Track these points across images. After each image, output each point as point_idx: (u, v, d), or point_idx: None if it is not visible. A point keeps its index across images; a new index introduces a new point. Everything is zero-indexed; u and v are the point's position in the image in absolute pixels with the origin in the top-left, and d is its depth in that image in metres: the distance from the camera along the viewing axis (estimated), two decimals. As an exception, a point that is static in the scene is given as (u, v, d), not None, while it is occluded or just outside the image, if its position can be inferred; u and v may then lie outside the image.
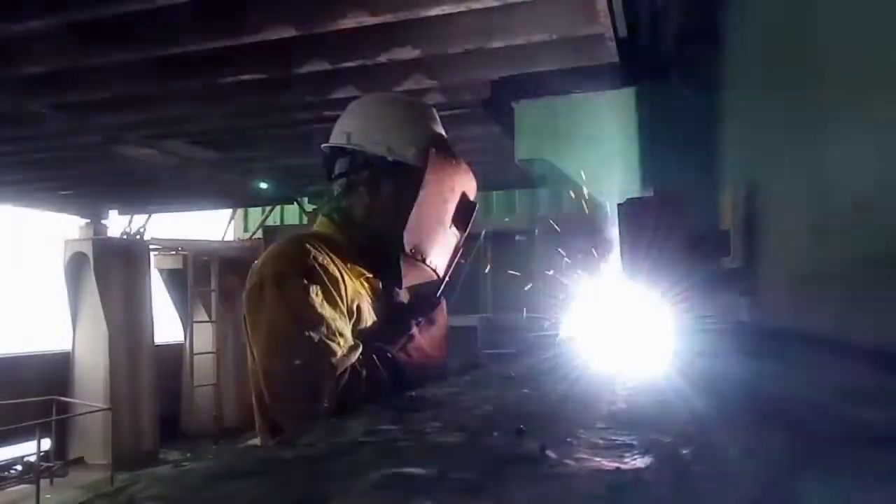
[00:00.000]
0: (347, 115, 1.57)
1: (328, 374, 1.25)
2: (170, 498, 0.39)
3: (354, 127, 1.52)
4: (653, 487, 0.37)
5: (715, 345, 1.46)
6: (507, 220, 9.75)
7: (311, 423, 1.04)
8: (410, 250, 1.46)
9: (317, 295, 1.30)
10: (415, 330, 1.47)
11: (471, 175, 1.58)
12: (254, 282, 1.34)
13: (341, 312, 1.34)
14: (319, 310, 1.29)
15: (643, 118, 3.69)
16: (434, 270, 1.55)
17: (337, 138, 1.53)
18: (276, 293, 1.30)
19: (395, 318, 1.51)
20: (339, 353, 1.27)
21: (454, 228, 1.56)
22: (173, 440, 9.67)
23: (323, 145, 1.57)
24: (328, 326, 1.28)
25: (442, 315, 1.57)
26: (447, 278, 1.60)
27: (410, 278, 1.53)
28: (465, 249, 1.63)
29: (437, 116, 1.61)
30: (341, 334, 1.30)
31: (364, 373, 1.30)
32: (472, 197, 1.59)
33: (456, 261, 1.62)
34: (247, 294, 1.35)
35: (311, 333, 1.26)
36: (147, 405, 9.17)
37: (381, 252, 1.51)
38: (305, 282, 1.30)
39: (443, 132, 1.58)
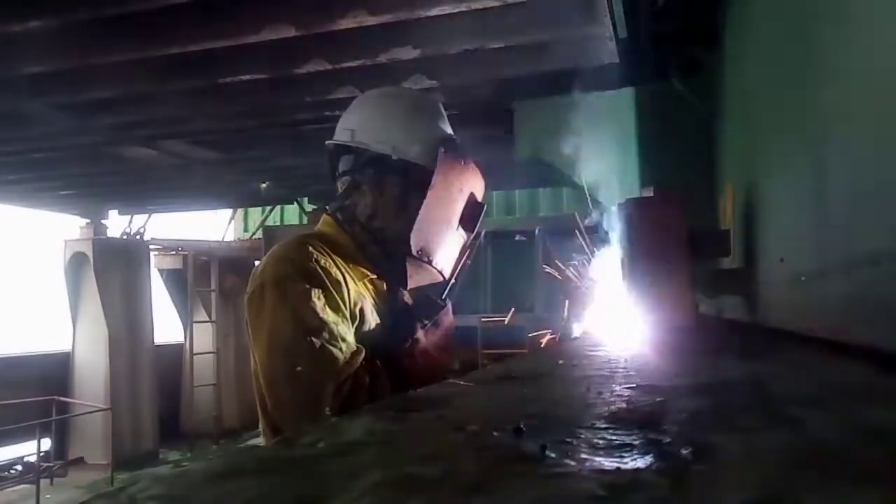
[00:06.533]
0: (352, 110, 1.54)
1: (330, 380, 1.24)
2: (170, 498, 0.39)
3: (359, 124, 1.49)
4: (653, 487, 0.37)
5: (715, 344, 1.46)
6: (507, 218, 9.76)
7: (311, 428, 1.04)
8: (417, 251, 1.44)
9: (319, 299, 1.29)
10: (419, 333, 1.45)
11: (479, 175, 1.56)
12: (255, 285, 1.33)
13: (343, 316, 1.32)
14: (321, 314, 1.27)
15: (643, 118, 3.69)
16: (440, 272, 1.53)
17: (341, 135, 1.51)
18: (278, 297, 1.29)
19: (400, 319, 1.49)
20: (341, 358, 1.26)
21: (461, 229, 1.54)
22: (173, 440, 9.67)
23: (327, 142, 1.55)
24: (330, 331, 1.27)
25: (447, 317, 1.54)
26: (453, 280, 1.58)
27: (416, 280, 1.51)
28: (470, 250, 1.61)
29: (444, 112, 1.58)
30: (343, 339, 1.29)
31: (366, 378, 1.29)
32: (479, 197, 1.56)
33: (463, 262, 1.60)
34: (248, 297, 1.34)
35: (313, 338, 1.25)
36: (147, 405, 9.17)
37: (386, 253, 1.49)
38: (307, 286, 1.29)
39: (450, 129, 1.56)
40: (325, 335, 1.26)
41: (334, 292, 1.32)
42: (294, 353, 1.25)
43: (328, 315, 1.28)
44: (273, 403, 1.31)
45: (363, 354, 1.31)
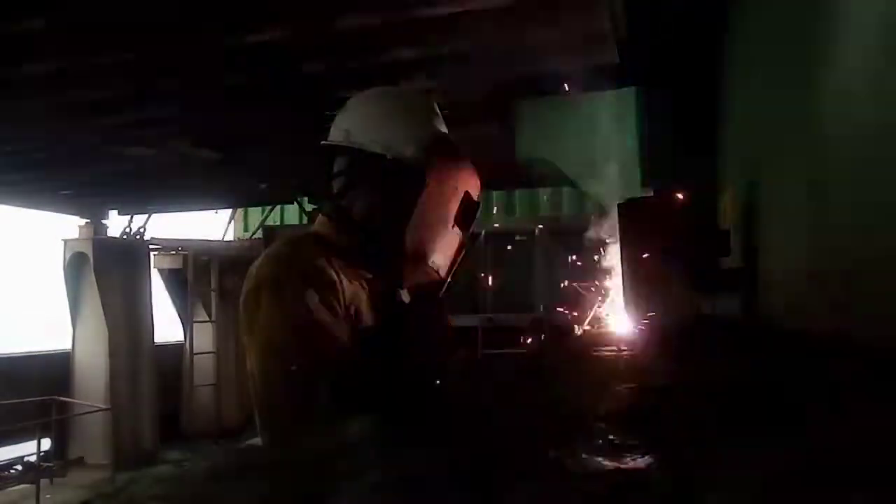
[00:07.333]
0: (346, 110, 1.54)
1: (324, 380, 1.24)
2: (170, 498, 0.39)
3: (353, 124, 1.49)
4: (653, 487, 0.37)
5: (714, 344, 1.46)
6: (507, 218, 9.74)
7: (307, 428, 1.03)
8: (412, 251, 1.45)
9: (313, 299, 1.29)
10: (416, 332, 1.45)
11: (474, 173, 1.56)
12: (250, 286, 1.33)
13: (339, 316, 1.32)
14: (316, 315, 1.27)
15: (643, 118, 3.69)
16: (436, 271, 1.53)
17: (335, 135, 1.51)
18: (273, 298, 1.29)
19: (396, 319, 1.49)
20: (336, 358, 1.26)
21: (456, 228, 1.54)
22: (173, 440, 9.66)
23: (322, 142, 1.55)
24: (325, 331, 1.27)
25: (444, 316, 1.55)
26: (450, 279, 1.58)
27: (411, 279, 1.51)
28: (467, 250, 1.61)
29: (439, 111, 1.58)
30: (339, 339, 1.29)
31: (362, 378, 1.29)
32: (475, 196, 1.56)
33: (459, 261, 1.60)
34: (243, 298, 1.34)
35: (308, 339, 1.25)
36: (147, 405, 9.15)
37: (382, 252, 1.49)
38: (302, 286, 1.29)
39: (444, 128, 1.56)
40: (320, 335, 1.26)
41: (329, 292, 1.31)
42: (288, 353, 1.25)
43: (323, 315, 1.28)
44: (268, 403, 1.31)
45: (358, 354, 1.31)
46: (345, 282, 1.37)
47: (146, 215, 9.66)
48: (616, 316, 2.36)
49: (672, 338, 1.50)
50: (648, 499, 0.36)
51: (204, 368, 9.71)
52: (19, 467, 7.79)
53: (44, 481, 7.07)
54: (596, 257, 2.94)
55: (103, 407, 7.91)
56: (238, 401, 9.69)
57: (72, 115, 4.61)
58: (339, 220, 1.51)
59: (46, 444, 7.61)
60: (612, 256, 2.60)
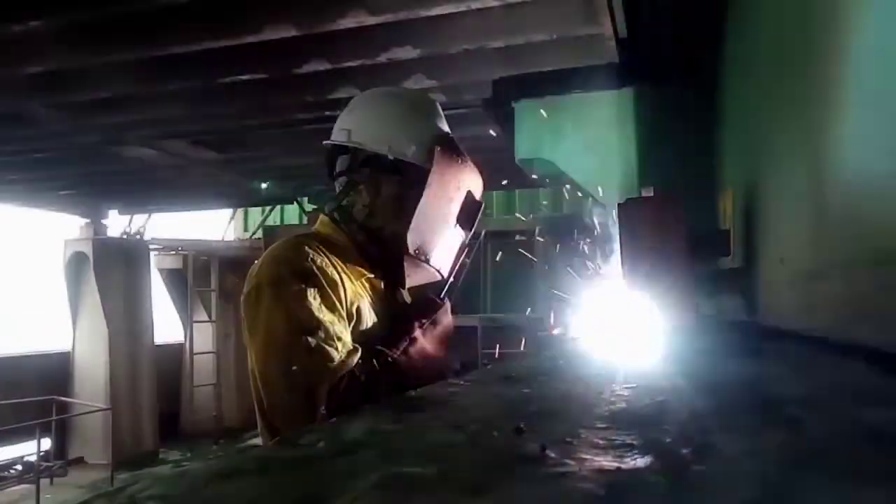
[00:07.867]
0: (348, 110, 1.55)
1: (326, 379, 1.24)
2: (170, 498, 0.39)
3: (355, 123, 1.50)
4: (653, 487, 0.37)
5: (715, 344, 1.46)
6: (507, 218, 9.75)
7: (308, 428, 1.03)
8: (414, 251, 1.44)
9: (314, 298, 1.29)
10: (417, 332, 1.45)
11: (476, 173, 1.56)
12: (251, 285, 1.33)
13: (340, 316, 1.32)
14: (317, 314, 1.27)
15: (643, 118, 3.69)
16: (438, 271, 1.53)
17: (337, 135, 1.52)
18: (274, 297, 1.29)
19: (398, 319, 1.49)
20: (337, 357, 1.26)
21: (459, 228, 1.54)
22: (173, 440, 9.67)
23: (324, 142, 1.55)
24: (326, 330, 1.27)
25: (446, 316, 1.55)
26: (452, 279, 1.58)
27: (414, 279, 1.52)
28: (469, 249, 1.61)
29: (441, 111, 1.59)
30: (339, 338, 1.29)
31: (363, 378, 1.29)
32: (477, 196, 1.57)
33: (461, 261, 1.60)
34: (244, 297, 1.34)
35: (309, 338, 1.25)
36: (147, 405, 9.16)
37: (384, 252, 1.49)
38: (303, 285, 1.29)
39: (446, 128, 1.56)
40: (321, 334, 1.26)
41: (330, 292, 1.32)
42: (289, 352, 1.25)
43: (324, 314, 1.28)
44: (268, 403, 1.31)
45: (359, 354, 1.31)
46: (346, 281, 1.37)
47: (146, 215, 9.67)
48: (615, 315, 2.36)
49: (672, 337, 1.50)
50: (648, 499, 0.36)
51: (204, 368, 9.72)
52: (19, 467, 7.80)
53: (44, 481, 7.08)
54: (596, 256, 2.94)
55: (103, 407, 7.91)
56: (238, 401, 9.71)
57: (72, 115, 4.61)
58: (340, 219, 1.51)
59: (46, 443, 7.62)
60: (612, 255, 2.60)
